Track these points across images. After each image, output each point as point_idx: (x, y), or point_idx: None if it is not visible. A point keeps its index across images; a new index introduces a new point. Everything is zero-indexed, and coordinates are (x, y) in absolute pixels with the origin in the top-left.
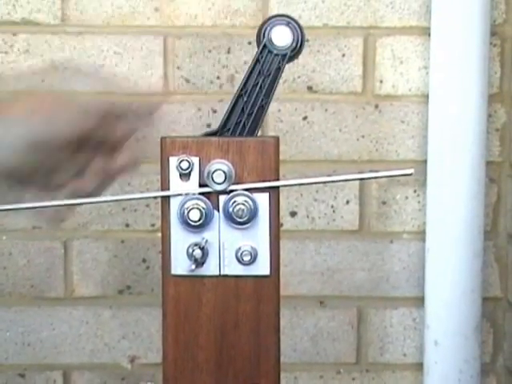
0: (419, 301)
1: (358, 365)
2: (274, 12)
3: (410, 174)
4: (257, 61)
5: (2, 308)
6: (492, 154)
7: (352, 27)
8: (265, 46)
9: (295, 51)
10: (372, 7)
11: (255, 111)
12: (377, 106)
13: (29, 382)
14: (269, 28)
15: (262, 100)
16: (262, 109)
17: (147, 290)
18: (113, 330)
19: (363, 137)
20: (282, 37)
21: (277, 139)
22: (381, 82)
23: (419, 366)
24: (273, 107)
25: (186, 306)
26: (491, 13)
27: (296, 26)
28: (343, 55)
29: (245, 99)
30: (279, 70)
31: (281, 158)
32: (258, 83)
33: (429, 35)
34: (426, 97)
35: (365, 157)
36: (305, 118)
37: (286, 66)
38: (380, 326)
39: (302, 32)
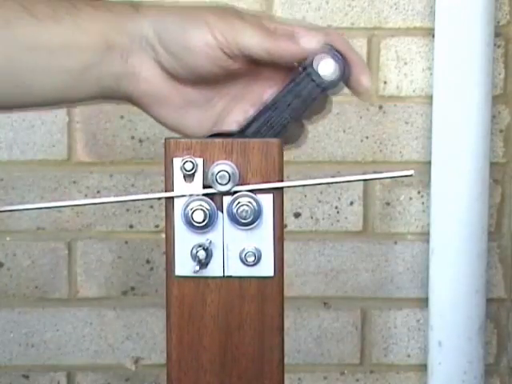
0: (423, 302)
1: (362, 366)
2: (278, 13)
3: (411, 175)
4: (295, 82)
5: (6, 309)
6: (496, 155)
7: (356, 28)
8: (309, 73)
9: (334, 87)
10: (376, 8)
11: (276, 127)
12: (381, 107)
13: (33, 383)
14: (320, 57)
15: (287, 119)
16: (284, 128)
17: (151, 290)
18: (117, 331)
19: (367, 138)
20: (329, 71)
21: (281, 140)
22: (385, 82)
23: (423, 367)
24: None
25: (189, 306)
26: (495, 14)
27: (344, 65)
28: None
29: (271, 113)
30: (314, 100)
31: (285, 159)
32: (288, 103)
33: (433, 36)
34: (429, 98)
35: (369, 158)
36: None
37: None
38: (384, 326)
39: (347, 71)
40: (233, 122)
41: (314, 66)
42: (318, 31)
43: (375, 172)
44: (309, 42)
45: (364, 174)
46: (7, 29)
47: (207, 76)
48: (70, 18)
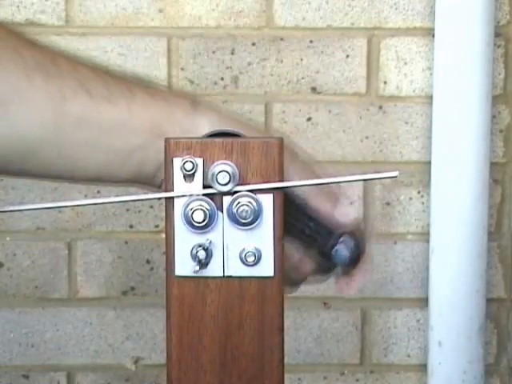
0: (423, 302)
1: (362, 366)
2: (278, 13)
3: (395, 177)
4: (318, 223)
5: (6, 309)
6: (496, 155)
7: (356, 28)
8: (331, 235)
9: (334, 258)
10: (376, 8)
11: None
12: (381, 107)
13: (33, 383)
14: (344, 241)
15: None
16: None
17: (151, 290)
18: (117, 331)
19: (367, 138)
20: (342, 254)
21: (281, 140)
22: (385, 83)
23: (423, 367)
24: (277, 108)
25: (189, 307)
26: (495, 14)
27: (353, 263)
28: (347, 56)
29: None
30: (315, 241)
31: None
32: (297, 218)
33: (433, 36)
34: (429, 98)
35: (369, 158)
36: (309, 119)
37: (290, 67)
38: (384, 326)
39: (350, 268)
40: None
41: (339, 247)
42: (355, 209)
43: (376, 172)
44: (343, 217)
45: (363, 174)
46: (61, 100)
47: None
48: (124, 101)
